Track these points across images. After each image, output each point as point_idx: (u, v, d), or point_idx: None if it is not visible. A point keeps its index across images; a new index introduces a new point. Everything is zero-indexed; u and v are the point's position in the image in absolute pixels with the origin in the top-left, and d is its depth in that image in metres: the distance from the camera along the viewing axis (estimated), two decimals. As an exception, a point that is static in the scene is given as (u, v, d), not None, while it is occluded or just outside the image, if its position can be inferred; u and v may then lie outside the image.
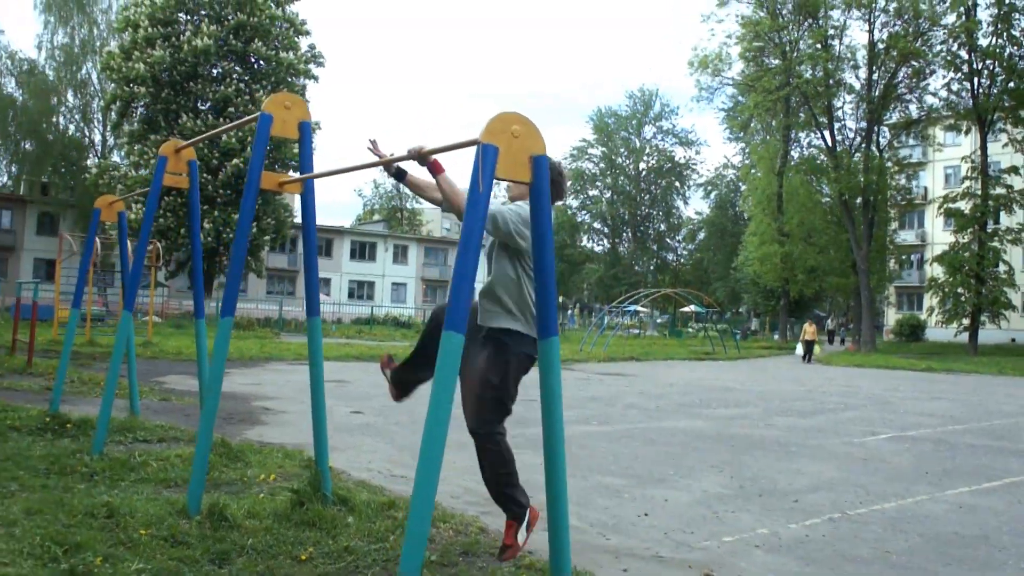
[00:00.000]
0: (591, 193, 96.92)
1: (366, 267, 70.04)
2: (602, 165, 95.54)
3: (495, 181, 4.11)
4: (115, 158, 53.37)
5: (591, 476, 8.73)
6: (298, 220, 48.89)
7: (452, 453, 9.61)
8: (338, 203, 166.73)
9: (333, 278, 67.11)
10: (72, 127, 59.84)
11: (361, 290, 69.69)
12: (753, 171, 59.41)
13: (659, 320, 77.87)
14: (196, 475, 5.81)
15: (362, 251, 70.46)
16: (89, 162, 57.69)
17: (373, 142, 5.46)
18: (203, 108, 43.89)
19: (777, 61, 49.55)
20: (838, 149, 48.78)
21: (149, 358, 21.48)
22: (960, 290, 46.25)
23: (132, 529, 5.27)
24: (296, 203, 50.37)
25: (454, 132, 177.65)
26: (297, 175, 6.10)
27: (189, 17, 44.49)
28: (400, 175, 5.48)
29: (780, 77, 47.98)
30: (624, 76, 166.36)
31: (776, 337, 62.68)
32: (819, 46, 47.44)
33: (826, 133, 49.26)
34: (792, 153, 55.49)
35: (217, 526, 5.51)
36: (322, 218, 75.31)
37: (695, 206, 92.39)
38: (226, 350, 6.00)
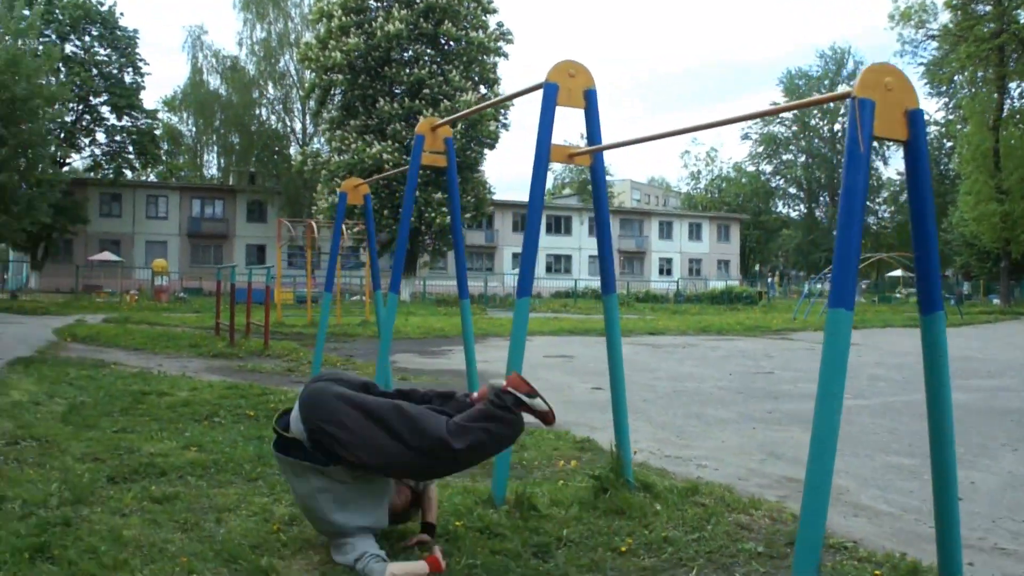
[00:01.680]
0: (784, 157, 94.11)
1: (562, 241, 70.02)
2: (795, 128, 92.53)
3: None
4: (316, 145, 55.07)
5: (876, 455, 8.16)
6: (495, 197, 50.25)
7: (719, 431, 9.33)
8: (526, 177, 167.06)
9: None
10: (274, 118, 62.27)
11: (558, 264, 69.80)
12: (959, 127, 55.91)
13: (862, 285, 74.76)
14: (501, 464, 5.63)
15: (557, 225, 70.49)
16: (292, 151, 59.87)
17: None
18: (398, 92, 44.59)
19: (989, 8, 46.37)
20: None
21: (370, 337, 21.85)
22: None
23: (444, 521, 5.13)
24: (493, 181, 50.94)
25: (636, 106, 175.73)
26: (586, 147, 5.79)
27: (380, 3, 45.30)
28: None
29: (993, 24, 44.82)
30: (814, 37, 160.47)
31: (996, 301, 59.09)
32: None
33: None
34: (1008, 105, 51.76)
35: (527, 516, 5.31)
36: (512, 194, 76.19)
37: (896, 166, 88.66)
38: (527, 328, 5.77)
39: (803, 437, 8.83)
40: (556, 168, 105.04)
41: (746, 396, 12.10)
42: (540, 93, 5.56)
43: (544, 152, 5.44)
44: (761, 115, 4.52)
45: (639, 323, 29.85)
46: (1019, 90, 51.88)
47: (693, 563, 4.74)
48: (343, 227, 27.20)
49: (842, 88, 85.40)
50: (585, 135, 5.92)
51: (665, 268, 75.59)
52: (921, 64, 59.00)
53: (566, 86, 5.55)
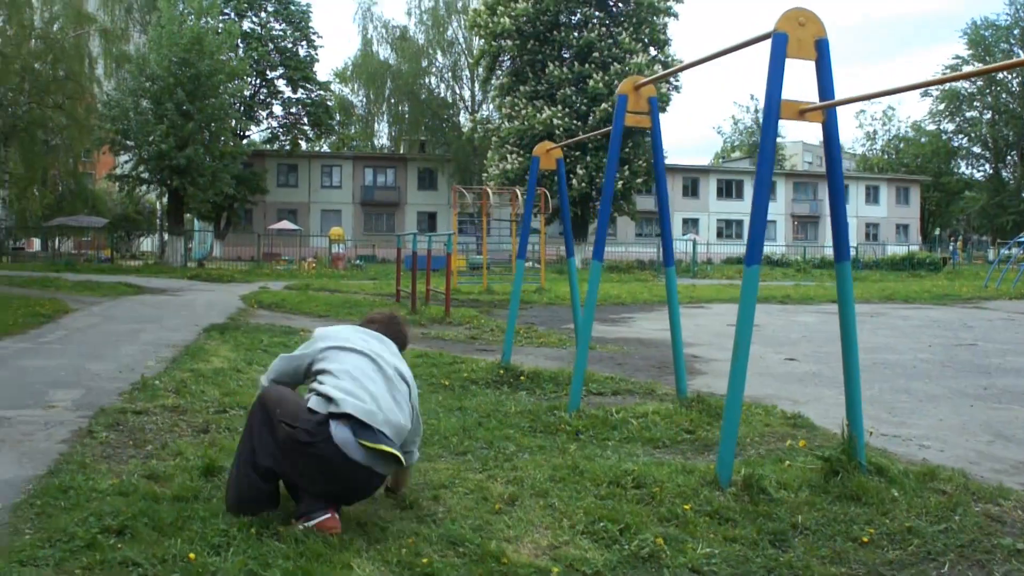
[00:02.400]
0: (968, 115, 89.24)
1: (734, 205, 68.46)
2: (980, 83, 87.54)
3: None
4: (485, 112, 55.31)
5: None
6: (668, 161, 49.23)
7: (933, 408, 8.71)
8: (691, 142, 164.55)
9: (701, 218, 66.35)
10: (443, 86, 62.93)
11: (729, 229, 68.30)
12: None
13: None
14: (726, 442, 5.26)
15: (728, 189, 68.97)
16: (461, 118, 60.35)
17: None
18: (567, 56, 44.21)
19: None
20: None
21: (546, 304, 21.71)
22: None
23: (670, 503, 4.81)
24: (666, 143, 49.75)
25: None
26: (818, 103, 5.33)
27: (548, -33, 44.88)
28: None
29: None
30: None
31: None
32: None
33: None
34: None
35: (756, 500, 4.94)
36: (680, 158, 74.77)
37: None
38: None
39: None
40: (725, 131, 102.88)
41: (953, 370, 11.34)
42: (766, 45, 5.14)
43: (774, 108, 5.02)
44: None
45: (818, 291, 28.92)
46: None
47: (943, 558, 4.30)
48: (517, 192, 27.33)
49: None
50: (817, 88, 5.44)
51: (842, 232, 72.91)
52: None
53: (796, 36, 5.11)
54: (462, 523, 4.40)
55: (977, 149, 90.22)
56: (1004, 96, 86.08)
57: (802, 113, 5.27)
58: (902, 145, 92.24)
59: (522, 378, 9.05)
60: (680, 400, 7.82)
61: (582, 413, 7.24)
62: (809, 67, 5.26)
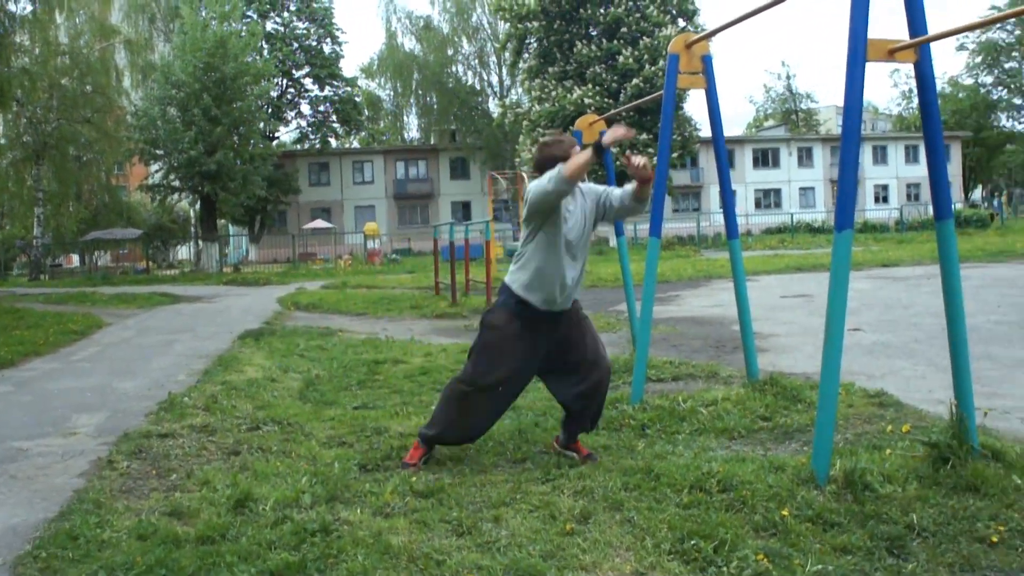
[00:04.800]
0: (1007, 65, 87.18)
1: (770, 174, 67.22)
2: (1018, 32, 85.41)
3: None
4: (514, 97, 54.71)
5: None
6: (702, 134, 48.58)
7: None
8: (725, 113, 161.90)
9: (738, 189, 65.16)
10: (470, 74, 62.48)
11: (767, 199, 67.04)
12: None
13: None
14: (822, 436, 4.59)
15: (764, 158, 67.72)
16: (490, 105, 59.80)
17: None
18: (594, 34, 43.45)
19: None
20: None
21: (588, 287, 21.09)
22: None
23: (764, 509, 4.17)
24: (696, 117, 49.27)
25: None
26: (911, 39, 4.64)
27: (573, -57, 44.16)
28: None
29: None
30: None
31: None
32: None
33: None
34: None
35: (861, 499, 4.29)
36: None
37: None
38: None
39: None
40: (756, 99, 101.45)
41: (1034, 331, 10.64)
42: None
43: (860, 47, 4.34)
44: None
45: (867, 255, 28.08)
46: None
47: (1096, 558, 3.66)
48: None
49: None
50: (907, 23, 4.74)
51: (881, 196, 71.51)
52: None
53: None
54: (530, 549, 3.80)
55: (1018, 100, 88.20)
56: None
57: (892, 53, 4.58)
58: (940, 102, 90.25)
59: (580, 367, 8.45)
60: (751, 383, 7.18)
61: (646, 404, 6.63)
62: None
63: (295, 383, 8.52)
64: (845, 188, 4.47)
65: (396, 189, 62.53)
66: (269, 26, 53.62)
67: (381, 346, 11.18)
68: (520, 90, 52.53)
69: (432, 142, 64.65)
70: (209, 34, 37.42)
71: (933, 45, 4.42)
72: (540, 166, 5.17)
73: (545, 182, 4.88)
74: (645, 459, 5.13)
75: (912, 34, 4.63)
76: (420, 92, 62.90)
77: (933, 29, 4.63)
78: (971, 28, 4.30)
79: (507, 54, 49.38)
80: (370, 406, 7.28)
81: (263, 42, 49.05)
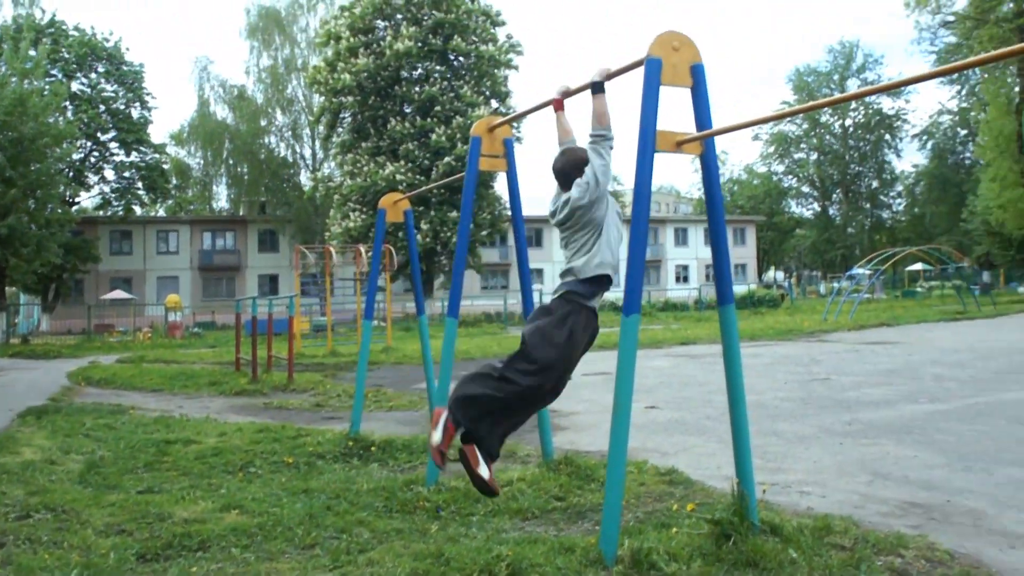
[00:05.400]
0: (796, 156, 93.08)
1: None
2: (805, 126, 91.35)
3: None
4: (327, 170, 54.42)
5: (993, 468, 7.25)
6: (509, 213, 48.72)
7: (804, 450, 8.40)
8: (535, 192, 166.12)
9: (545, 268, 66.51)
10: (283, 145, 61.86)
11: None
12: (972, 114, 54.57)
13: (873, 281, 73.45)
14: (610, 517, 4.64)
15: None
16: (302, 177, 59.36)
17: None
18: (409, 111, 43.86)
19: (1010, -12, 45.56)
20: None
21: (394, 364, 21.00)
22: None
23: (553, 594, 4.16)
24: (505, 196, 49.98)
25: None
26: (695, 133, 4.85)
27: (388, 22, 44.71)
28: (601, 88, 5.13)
29: (1014, 4, 43.96)
30: (822, 32, 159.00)
31: (1021, 289, 57.97)
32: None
33: (1073, 60, 45.09)
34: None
35: (649, 580, 4.34)
36: (524, 208, 75.12)
37: (909, 159, 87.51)
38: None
39: (900, 451, 7.98)
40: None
41: (815, 407, 11.23)
42: (639, 74, 4.64)
43: (649, 139, 4.50)
44: (968, 65, 3.62)
45: (667, 333, 29.02)
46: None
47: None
48: (362, 249, 26.55)
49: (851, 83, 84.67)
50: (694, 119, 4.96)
51: (682, 275, 74.68)
52: (931, 53, 57.85)
53: (670, 61, 4.64)
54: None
55: (806, 189, 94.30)
56: (828, 137, 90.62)
57: (679, 145, 4.78)
58: (736, 188, 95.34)
59: (373, 449, 8.36)
60: (547, 463, 7.23)
61: (442, 486, 6.57)
62: (683, 95, 4.79)
63: (76, 465, 8.04)
64: (633, 272, 4.58)
65: (202, 260, 60.89)
66: (75, 86, 51.68)
67: (174, 425, 10.74)
68: (332, 164, 52.26)
69: (241, 213, 63.39)
70: (8, 92, 35.65)
71: (734, 135, 4.62)
72: (568, 172, 5.16)
73: (603, 152, 4.90)
74: (437, 542, 5.07)
75: (698, 128, 4.84)
76: (231, 162, 61.67)
77: (724, 123, 4.85)
78: (751, 124, 4.51)
79: (321, 127, 49.10)
80: (155, 490, 6.93)
81: (67, 102, 47.17)
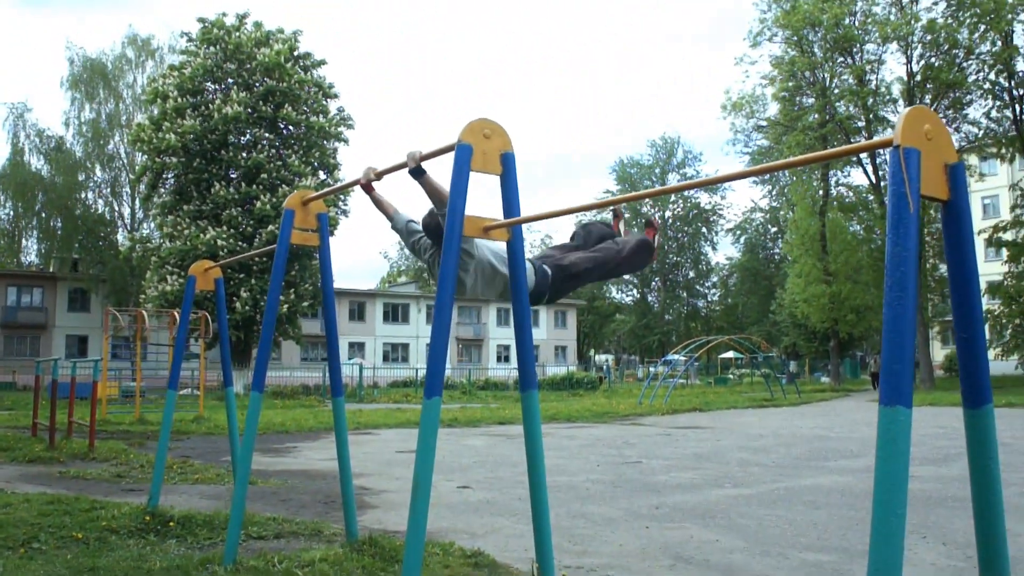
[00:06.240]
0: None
1: (400, 329, 69.08)
2: (627, 215, 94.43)
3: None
4: (145, 231, 52.87)
5: (791, 553, 7.51)
6: (335, 286, 48.88)
7: (611, 533, 8.46)
8: (360, 265, 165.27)
9: (367, 341, 66.24)
10: (101, 202, 59.82)
11: (395, 352, 68.68)
12: (782, 213, 57.98)
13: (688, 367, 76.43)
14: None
15: (395, 313, 69.56)
16: (119, 236, 57.43)
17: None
18: (234, 176, 43.16)
19: (813, 100, 48.73)
20: (882, 184, 47.71)
21: (205, 434, 20.38)
22: (1018, 321, 45.17)
23: None
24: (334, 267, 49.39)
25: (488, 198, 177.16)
26: (503, 219, 4.96)
27: (218, 86, 44.12)
28: (419, 173, 5.39)
29: (819, 115, 47.16)
30: (646, 126, 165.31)
31: (825, 380, 61.19)
32: (856, 82, 46.62)
33: (869, 169, 48.34)
34: (834, 191, 54.14)
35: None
36: (347, 282, 74.28)
37: (724, 251, 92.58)
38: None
39: (703, 535, 8.22)
40: (391, 255, 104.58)
41: (624, 490, 11.45)
42: (451, 157, 4.74)
43: (457, 224, 4.57)
44: (778, 167, 3.83)
45: (485, 412, 29.08)
46: (835, 178, 54.41)
47: None
48: (176, 315, 25.78)
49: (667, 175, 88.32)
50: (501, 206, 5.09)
51: (503, 355, 75.45)
52: (745, 153, 61.11)
53: (481, 148, 4.75)
54: None
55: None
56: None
57: (486, 231, 4.88)
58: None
59: (172, 524, 8.02)
60: (351, 543, 7.12)
61: (239, 566, 6.37)
62: (492, 183, 4.91)
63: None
64: (435, 355, 4.62)
65: (5, 316, 57.95)
66: None
67: (-47, 494, 10.08)
68: (152, 225, 50.79)
69: (52, 269, 60.73)
70: None
71: (560, 219, 4.76)
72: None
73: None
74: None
75: (506, 215, 4.96)
76: (44, 215, 59.10)
77: (543, 208, 4.99)
78: (562, 213, 4.66)
79: (142, 186, 47.64)
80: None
81: None
